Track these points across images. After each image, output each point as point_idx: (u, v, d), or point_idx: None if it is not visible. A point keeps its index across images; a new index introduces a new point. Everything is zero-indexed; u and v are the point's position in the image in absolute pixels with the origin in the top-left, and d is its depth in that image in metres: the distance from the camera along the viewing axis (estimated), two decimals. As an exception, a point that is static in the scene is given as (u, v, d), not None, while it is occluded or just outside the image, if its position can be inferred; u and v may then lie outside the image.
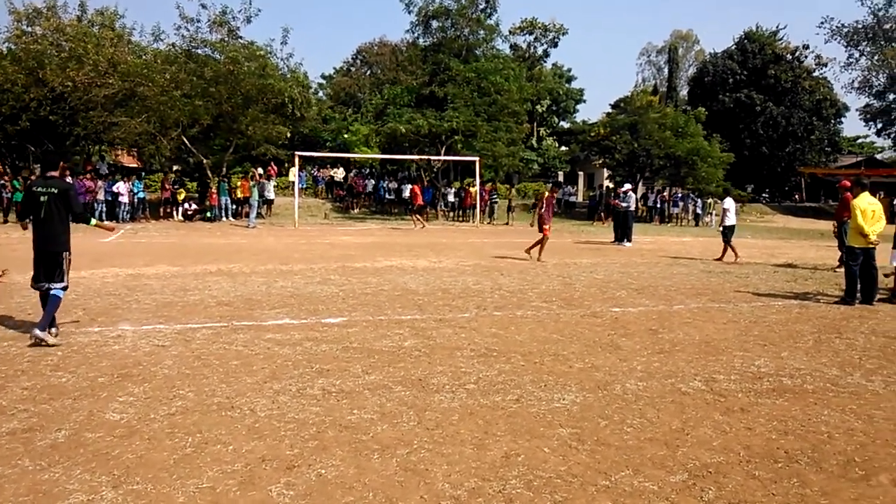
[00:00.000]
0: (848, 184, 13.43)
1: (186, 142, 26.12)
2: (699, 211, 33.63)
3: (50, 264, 6.33)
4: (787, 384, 5.35)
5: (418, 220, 24.82)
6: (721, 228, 14.93)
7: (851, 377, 5.58)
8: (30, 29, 23.89)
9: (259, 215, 27.65)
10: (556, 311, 8.28)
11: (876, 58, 45.39)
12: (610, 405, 4.74)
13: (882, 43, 44.98)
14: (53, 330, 6.19)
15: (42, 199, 6.27)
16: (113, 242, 16.46)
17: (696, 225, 32.98)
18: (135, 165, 36.84)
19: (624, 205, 18.91)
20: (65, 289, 6.38)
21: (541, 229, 14.01)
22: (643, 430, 4.26)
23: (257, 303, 8.35)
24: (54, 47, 23.89)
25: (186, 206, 25.76)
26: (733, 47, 51.42)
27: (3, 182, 22.71)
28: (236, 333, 6.64)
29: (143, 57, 25.80)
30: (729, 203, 14.92)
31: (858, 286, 9.14)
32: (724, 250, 14.78)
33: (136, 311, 7.64)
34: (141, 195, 25.10)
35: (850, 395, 5.13)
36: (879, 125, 51.06)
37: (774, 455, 3.93)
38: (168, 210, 26.02)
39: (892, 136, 51.13)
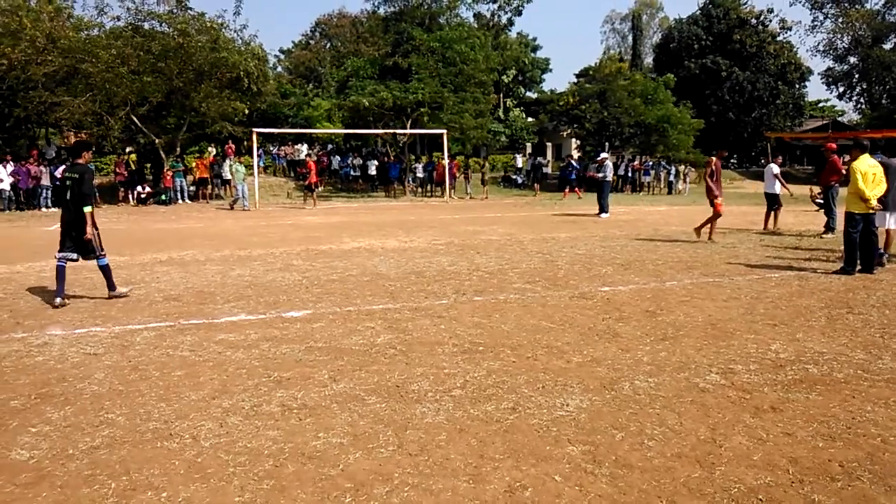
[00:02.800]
0: (834, 146, 12.97)
1: (136, 121, 24.66)
2: (672, 179, 33.23)
3: (81, 243, 7.27)
4: (814, 373, 4.72)
5: (309, 198, 23.71)
6: (767, 193, 14.44)
7: (882, 361, 4.98)
8: (-40, 4, 22.14)
9: (217, 196, 26.50)
10: (541, 293, 7.56)
11: (840, 20, 45.33)
12: (622, 410, 4.04)
13: (846, 5, 44.91)
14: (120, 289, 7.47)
15: (68, 183, 7.24)
16: (55, 231, 15.28)
17: (670, 193, 32.62)
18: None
19: (601, 175, 18.26)
20: (103, 255, 7.45)
21: (712, 203, 12.44)
22: (668, 444, 3.57)
23: (210, 296, 7.48)
24: (-12, 23, 22.17)
25: (140, 189, 24.42)
26: (698, 13, 50.88)
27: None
28: (183, 335, 5.79)
29: (86, 32, 24.15)
30: (775, 169, 14.36)
31: (858, 254, 8.59)
32: (768, 217, 14.32)
33: (69, 311, 6.73)
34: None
35: (887, 383, 4.51)
36: (841, 88, 51.28)
37: (828, 470, 3.27)
38: (123, 194, 24.64)
39: (853, 99, 51.46)
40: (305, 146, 34.04)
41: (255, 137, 24.30)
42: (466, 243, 12.19)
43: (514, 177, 34.47)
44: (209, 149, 28.89)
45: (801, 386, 4.46)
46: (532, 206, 23.45)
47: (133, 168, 25.58)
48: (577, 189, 27.35)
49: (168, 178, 24.47)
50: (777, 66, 48.34)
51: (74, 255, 7.30)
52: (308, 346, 5.39)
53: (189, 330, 5.97)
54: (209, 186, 26.78)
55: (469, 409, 4.03)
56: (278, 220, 17.79)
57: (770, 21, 49.35)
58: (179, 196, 24.84)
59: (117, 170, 25.02)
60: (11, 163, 21.55)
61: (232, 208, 21.89)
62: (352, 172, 31.96)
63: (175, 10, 24.10)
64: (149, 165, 26.87)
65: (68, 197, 7.23)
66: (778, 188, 14.31)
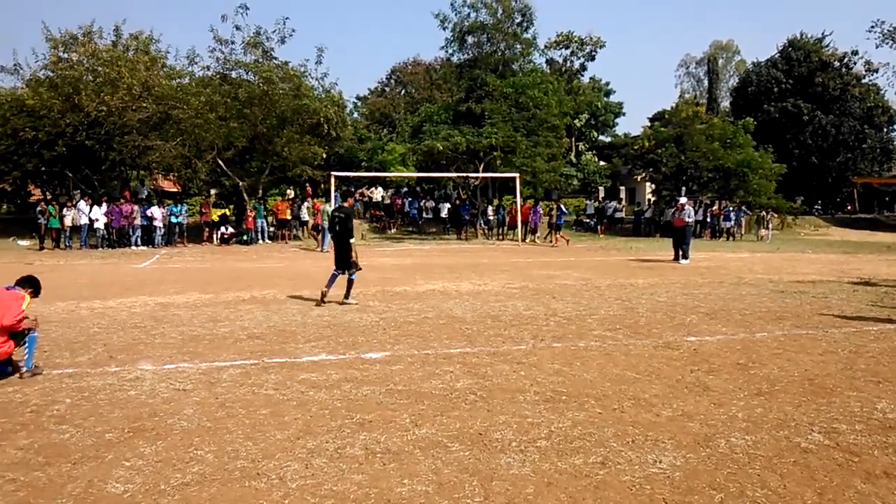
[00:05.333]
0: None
1: (222, 164, 25.84)
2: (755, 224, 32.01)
3: (343, 262, 10.08)
4: (931, 437, 4.35)
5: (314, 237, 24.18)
6: None
7: None
8: (66, 55, 23.93)
9: (296, 237, 27.27)
10: (623, 341, 7.34)
11: (931, 61, 43.22)
12: (719, 469, 3.82)
13: (937, 46, 42.88)
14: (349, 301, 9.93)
15: (336, 220, 10.11)
16: (147, 269, 16.03)
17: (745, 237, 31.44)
18: (174, 190, 36.95)
19: (688, 220, 17.82)
20: (353, 273, 10.13)
21: None
22: (772, 508, 3.34)
23: (291, 335, 7.61)
24: (90, 72, 23.85)
25: (223, 229, 25.41)
26: (777, 56, 49.70)
27: (40, 209, 22.65)
28: (267, 373, 5.88)
29: (178, 80, 25.67)
30: None
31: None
32: None
33: (159, 347, 6.96)
34: (179, 219, 24.85)
35: None
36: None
37: (960, 548, 2.97)
38: (207, 234, 25.74)
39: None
40: (380, 189, 34.77)
41: (332, 180, 25.00)
42: (541, 287, 12.04)
43: (585, 220, 34.08)
44: (288, 191, 29.87)
45: (918, 451, 4.12)
46: (607, 250, 23.05)
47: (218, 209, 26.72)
48: (558, 235, 26.38)
49: (250, 219, 25.38)
50: (863, 110, 46.49)
51: (340, 270, 10.07)
52: (388, 389, 5.38)
53: (273, 368, 6.06)
54: (289, 228, 27.59)
55: (556, 462, 3.90)
56: (353, 261, 18.07)
57: (854, 63, 47.66)
58: (260, 237, 25.68)
59: (203, 210, 26.17)
60: (105, 203, 22.88)
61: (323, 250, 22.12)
62: (424, 215, 32.32)
63: (261, 60, 25.31)
64: (231, 207, 28.00)
65: (337, 229, 10.06)
66: None
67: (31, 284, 5.95)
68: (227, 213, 27.51)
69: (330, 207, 23.07)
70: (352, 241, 10.01)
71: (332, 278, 10.06)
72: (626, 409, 4.89)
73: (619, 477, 3.70)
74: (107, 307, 9.64)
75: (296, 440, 4.25)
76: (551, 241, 26.60)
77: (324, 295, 9.96)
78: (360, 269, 10.39)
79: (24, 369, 5.62)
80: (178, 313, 9.10)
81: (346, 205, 10.54)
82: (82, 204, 22.48)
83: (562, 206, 26.89)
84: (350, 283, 10.08)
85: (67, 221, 22.24)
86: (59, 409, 4.83)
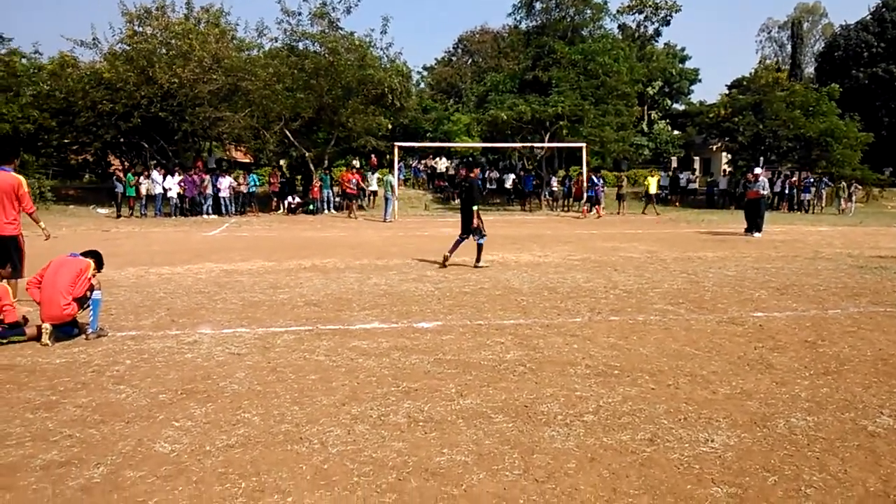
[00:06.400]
0: None
1: (289, 135, 26.28)
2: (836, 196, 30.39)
3: (467, 227, 10.67)
4: None
5: (350, 209, 24.30)
6: None
7: None
8: (140, 29, 24.67)
9: (361, 207, 27.56)
10: (685, 315, 7.08)
11: None
12: (775, 451, 3.62)
13: None
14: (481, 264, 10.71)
15: (462, 188, 11.31)
16: (216, 237, 16.54)
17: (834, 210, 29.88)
18: (247, 160, 37.93)
19: (763, 192, 17.04)
20: (481, 238, 10.73)
21: None
22: (829, 493, 3.14)
23: (347, 303, 7.68)
24: (163, 45, 24.55)
25: (290, 199, 25.95)
26: (868, 17, 46.45)
27: (117, 178, 23.65)
28: (320, 339, 5.95)
29: (247, 52, 26.13)
30: None
31: None
32: None
33: (220, 312, 7.15)
34: (251, 189, 25.51)
35: None
36: None
37: None
38: (276, 203, 26.35)
39: None
40: (445, 159, 34.70)
41: (396, 151, 25.07)
42: (603, 260, 11.76)
43: (656, 191, 33.11)
44: (353, 162, 30.18)
45: None
46: (676, 222, 22.33)
47: (286, 179, 27.29)
48: (597, 207, 25.50)
49: (316, 189, 25.80)
50: (963, 74, 43.03)
51: (466, 236, 10.70)
52: (437, 358, 5.35)
53: (326, 335, 6.13)
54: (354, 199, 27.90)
55: (602, 437, 3.78)
56: (416, 232, 18.16)
57: (956, 23, 44.06)
58: (326, 206, 26.09)
59: (271, 180, 26.77)
60: (178, 173, 23.68)
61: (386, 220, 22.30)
62: (488, 186, 32.12)
63: (326, 31, 25.47)
64: (300, 177, 28.53)
65: (463, 197, 11.12)
66: None
67: (94, 256, 6.19)
68: (296, 182, 28.09)
69: (394, 178, 23.23)
70: (475, 208, 10.55)
71: (457, 244, 10.75)
72: (680, 386, 4.70)
73: (667, 455, 3.55)
74: (174, 273, 9.98)
75: (341, 406, 4.27)
76: (580, 213, 26.06)
77: (446, 259, 10.68)
78: (486, 235, 10.86)
79: (90, 331, 5.87)
80: (241, 280, 9.34)
81: (472, 175, 11.19)
82: (156, 174, 23.34)
83: (594, 178, 26.16)
84: (479, 247, 10.73)
85: (143, 191, 23.15)
86: (118, 370, 5.02)
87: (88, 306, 5.93)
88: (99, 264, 6.29)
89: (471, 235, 10.67)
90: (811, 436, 3.83)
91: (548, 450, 3.61)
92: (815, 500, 3.09)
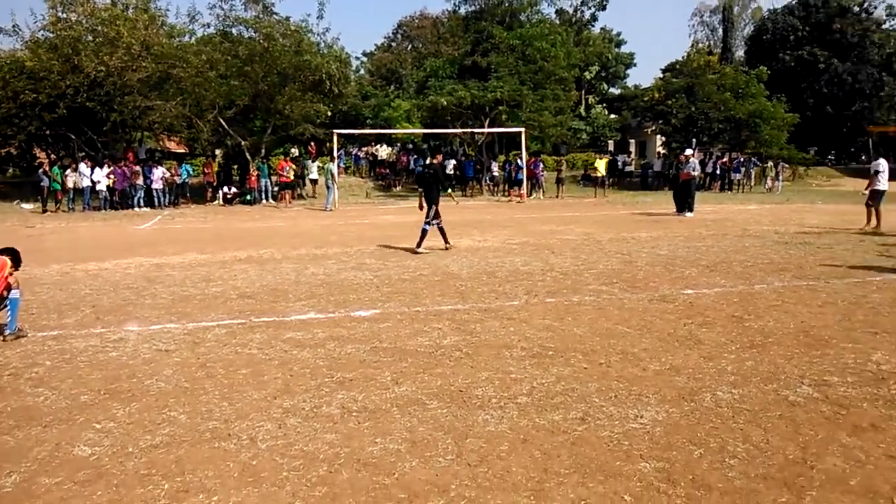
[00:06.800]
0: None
1: (224, 124, 25.56)
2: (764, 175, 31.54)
3: (430, 213, 10.75)
4: (925, 389, 4.22)
5: (283, 198, 24.38)
6: (865, 192, 13.68)
7: None
8: (64, 15, 23.47)
9: (301, 196, 27.09)
10: (618, 295, 7.21)
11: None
12: (701, 424, 3.72)
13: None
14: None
15: (427, 174, 11.13)
16: (147, 230, 16.00)
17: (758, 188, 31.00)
18: (181, 150, 36.73)
19: (694, 173, 17.50)
20: (431, 223, 10.80)
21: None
22: (752, 463, 3.24)
23: (283, 294, 7.54)
24: (89, 32, 23.44)
25: (226, 189, 25.29)
26: (794, 2, 48.18)
27: (43, 171, 22.57)
28: (253, 332, 5.82)
29: (178, 39, 25.24)
30: (881, 164, 13.48)
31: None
32: (870, 215, 13.52)
33: (148, 308, 6.91)
34: (184, 180, 24.68)
35: None
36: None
37: (944, 503, 2.86)
38: (211, 194, 25.63)
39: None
40: (386, 146, 34.41)
41: (335, 138, 24.70)
42: (542, 243, 11.88)
43: (594, 176, 33.67)
44: (292, 150, 29.60)
45: (910, 403, 3.99)
46: (613, 205, 22.76)
47: (220, 170, 26.57)
48: (520, 191, 26.09)
49: (253, 178, 25.22)
50: (882, 56, 45.13)
51: (436, 220, 10.82)
52: (373, 347, 5.30)
53: (259, 327, 6.00)
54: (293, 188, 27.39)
55: (535, 418, 3.81)
56: (356, 220, 17.97)
57: (875, 7, 46.16)
58: (263, 196, 25.54)
59: (206, 170, 26.02)
60: (108, 165, 22.75)
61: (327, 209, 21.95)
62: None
63: (261, 16, 24.81)
64: (235, 167, 27.81)
65: (428, 182, 10.94)
66: (881, 185, 13.34)
67: (10, 254, 5.87)
68: (232, 172, 27.38)
69: (334, 166, 22.89)
70: (448, 191, 10.92)
71: (425, 233, 10.78)
72: (612, 364, 4.78)
73: (598, 433, 3.61)
74: (101, 268, 9.60)
75: (272, 400, 4.18)
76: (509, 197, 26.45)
77: (418, 246, 10.78)
78: (440, 221, 10.98)
79: (7, 332, 5.58)
80: (172, 274, 9.05)
81: (434, 161, 11.69)
82: (83, 166, 22.37)
83: (518, 161, 26.51)
84: (423, 232, 10.73)
85: (70, 184, 22.16)
86: (37, 372, 4.79)
87: (6, 306, 5.63)
88: (16, 262, 5.96)
89: (431, 219, 10.79)
90: (736, 408, 3.94)
91: (481, 433, 3.62)
92: (738, 470, 3.18)
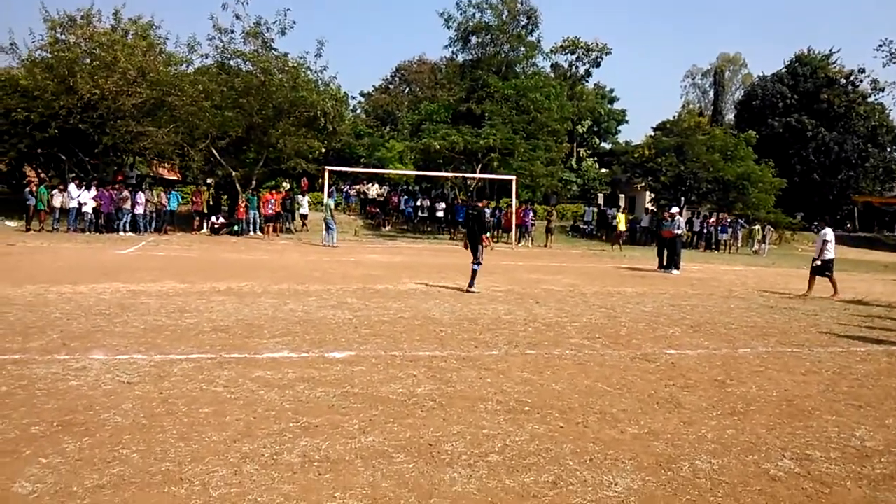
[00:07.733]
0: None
1: (216, 153, 25.55)
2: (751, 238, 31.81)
3: (475, 253, 11.40)
4: (909, 469, 4.09)
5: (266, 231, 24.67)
6: (817, 263, 13.50)
7: None
8: (63, 37, 23.62)
9: (288, 230, 26.96)
10: (600, 351, 7.07)
11: (938, 82, 42.99)
12: (678, 495, 3.55)
13: (945, 66, 42.60)
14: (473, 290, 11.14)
15: (471, 215, 11.95)
16: (129, 255, 15.76)
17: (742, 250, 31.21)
18: (174, 177, 36.67)
19: (677, 231, 17.57)
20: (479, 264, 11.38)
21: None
22: (730, 542, 3.07)
23: (258, 329, 7.34)
24: (86, 55, 23.56)
25: (213, 219, 25.13)
26: (783, 70, 49.53)
27: (30, 190, 22.36)
28: (221, 368, 5.61)
29: (175, 67, 25.39)
30: (829, 234, 13.52)
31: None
32: (811, 285, 13.48)
33: (117, 336, 6.68)
34: (170, 207, 24.49)
35: None
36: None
37: None
38: (198, 223, 25.45)
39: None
40: (377, 185, 34.51)
41: (327, 175, 24.71)
42: (526, 292, 11.78)
43: (582, 226, 33.84)
44: (284, 184, 29.58)
45: (893, 483, 3.85)
46: (600, 257, 22.78)
47: (209, 199, 26.45)
48: (486, 237, 26.13)
49: (242, 209, 25.09)
50: (867, 128, 46.32)
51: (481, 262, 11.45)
52: (344, 392, 5.11)
53: (229, 364, 5.79)
54: (281, 221, 27.29)
55: (504, 480, 3.62)
56: (342, 257, 17.82)
57: (861, 81, 47.47)
58: (251, 228, 25.38)
59: (195, 199, 25.89)
60: (95, 187, 22.58)
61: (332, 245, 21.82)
62: (419, 213, 32.05)
63: (259, 50, 25.06)
64: (225, 197, 27.72)
65: (471, 225, 11.68)
66: (829, 255, 13.41)
67: None
68: (222, 202, 27.26)
69: (332, 202, 22.93)
70: (486, 235, 11.76)
71: (475, 273, 11.37)
72: (589, 424, 4.62)
73: (569, 499, 3.43)
74: (76, 292, 9.36)
75: (231, 443, 3.97)
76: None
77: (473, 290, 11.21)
78: (481, 263, 11.49)
79: (-36, 354, 5.36)
80: (148, 302, 8.83)
81: (479, 204, 12.49)
82: (72, 187, 22.19)
83: (486, 209, 26.56)
84: (475, 273, 11.30)
85: (56, 203, 21.94)
86: (-11, 399, 4.56)
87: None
88: None
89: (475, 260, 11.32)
90: (714, 479, 3.78)
91: (447, 493, 3.43)
92: (713, 547, 3.01)
